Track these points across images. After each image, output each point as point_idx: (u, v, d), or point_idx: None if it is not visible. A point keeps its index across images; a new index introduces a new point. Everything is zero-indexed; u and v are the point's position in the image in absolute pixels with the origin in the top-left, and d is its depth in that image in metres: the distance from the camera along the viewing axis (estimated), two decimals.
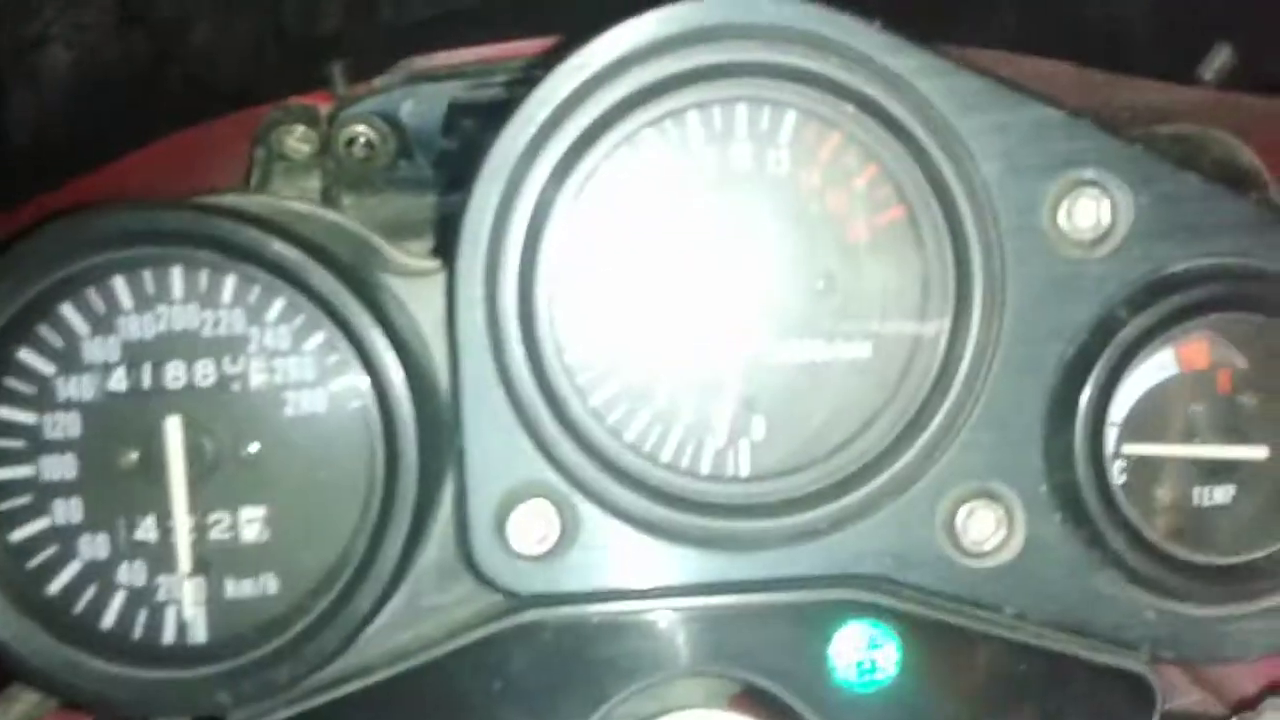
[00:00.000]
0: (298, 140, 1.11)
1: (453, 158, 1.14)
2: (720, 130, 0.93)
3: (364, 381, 0.90)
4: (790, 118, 0.92)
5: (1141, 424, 0.95)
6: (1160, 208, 0.92)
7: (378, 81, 1.16)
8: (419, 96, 1.15)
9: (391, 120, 1.14)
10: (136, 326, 0.91)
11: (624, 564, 0.93)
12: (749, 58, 0.91)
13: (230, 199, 0.97)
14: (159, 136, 1.22)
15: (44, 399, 0.91)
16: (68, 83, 1.22)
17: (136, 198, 0.94)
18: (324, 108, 1.14)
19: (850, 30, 0.90)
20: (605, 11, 1.04)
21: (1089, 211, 0.91)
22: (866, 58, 0.90)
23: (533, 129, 0.89)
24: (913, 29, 1.18)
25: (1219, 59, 1.16)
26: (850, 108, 0.92)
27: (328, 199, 1.12)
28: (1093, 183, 0.91)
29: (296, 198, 1.07)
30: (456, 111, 1.13)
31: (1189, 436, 0.96)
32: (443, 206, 1.11)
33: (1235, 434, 0.96)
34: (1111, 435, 0.94)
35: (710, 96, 0.92)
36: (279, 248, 0.87)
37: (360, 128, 1.12)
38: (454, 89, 1.14)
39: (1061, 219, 0.92)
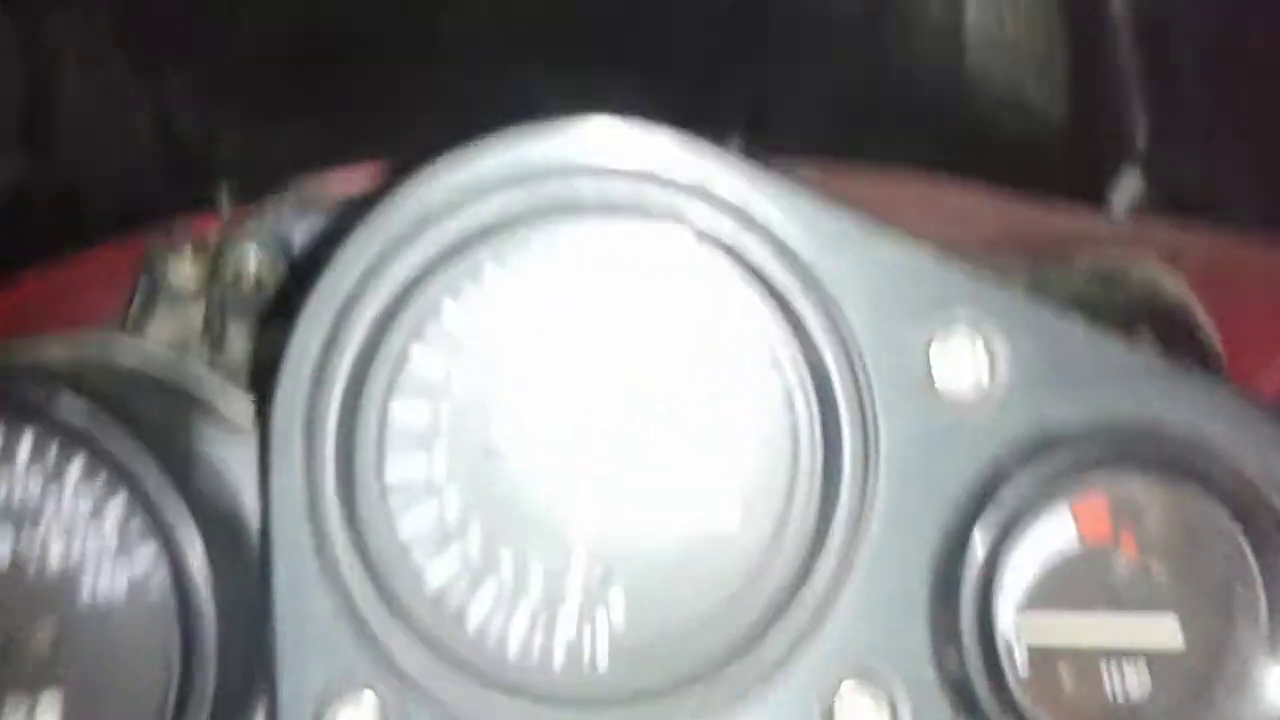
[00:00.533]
0: (183, 270, 1.09)
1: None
2: (571, 270, 0.87)
3: (165, 564, 0.83)
4: (644, 260, 0.87)
5: (1039, 596, 0.87)
6: (1043, 358, 0.86)
7: (268, 204, 1.14)
8: (311, 221, 1.12)
9: (284, 246, 1.11)
10: None
11: None
12: (593, 193, 0.85)
13: (48, 348, 0.93)
14: (33, 263, 1.18)
15: None
16: None
17: None
18: (212, 234, 1.12)
19: (718, 168, 0.84)
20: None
21: (966, 361, 0.85)
22: (729, 199, 0.85)
23: (357, 268, 0.83)
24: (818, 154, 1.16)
25: (1129, 186, 1.14)
26: (706, 250, 0.86)
27: (211, 329, 1.09)
28: (969, 326, 0.85)
29: (171, 340, 1.06)
30: (335, 233, 1.06)
31: (1094, 605, 0.88)
32: None
33: (1146, 609, 0.88)
34: (1008, 612, 0.87)
35: (556, 238, 0.86)
36: (69, 407, 0.81)
37: (249, 256, 1.10)
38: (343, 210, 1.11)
39: (937, 370, 0.85)
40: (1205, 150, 1.13)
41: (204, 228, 1.14)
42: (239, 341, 1.09)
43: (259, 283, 1.10)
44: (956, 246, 1.04)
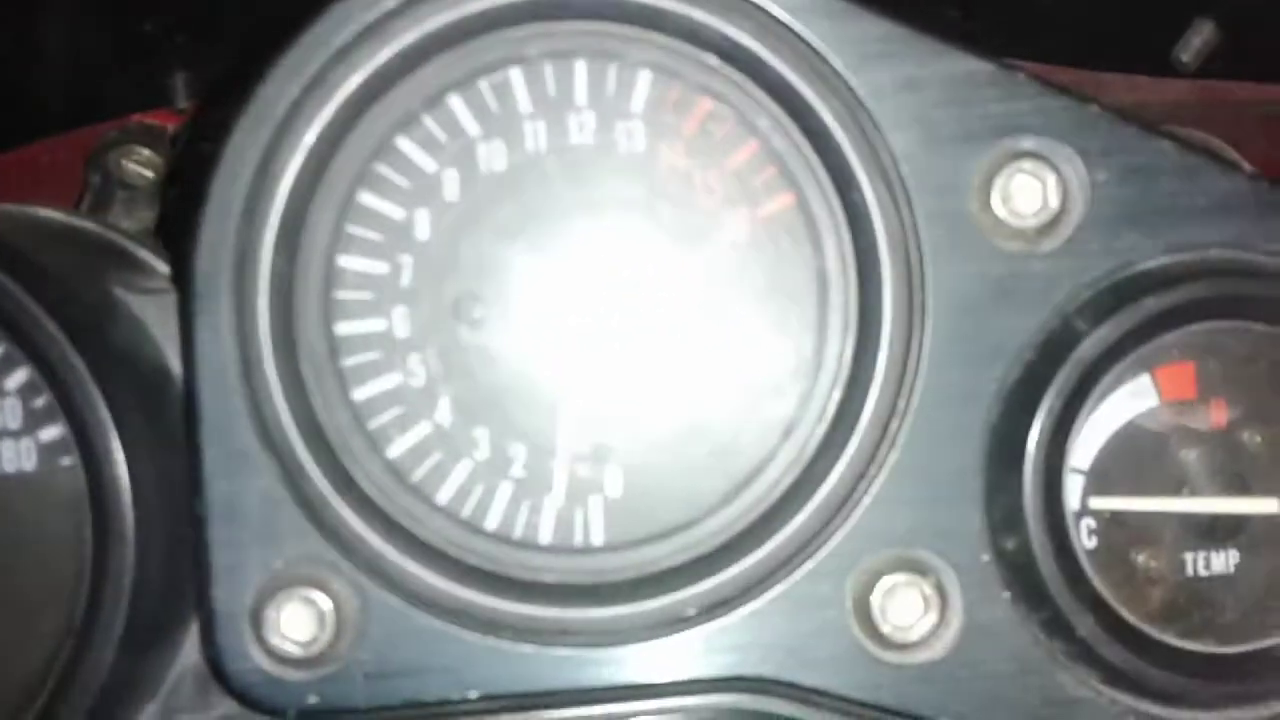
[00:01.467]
0: (139, 164, 1.05)
1: None
2: (554, 96, 0.77)
3: (70, 432, 0.74)
4: (644, 79, 0.77)
5: (1114, 472, 0.80)
6: (1125, 186, 0.77)
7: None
8: None
9: None
10: None
11: (427, 670, 0.75)
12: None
13: None
14: None
15: None
16: None
17: None
18: (169, 127, 1.07)
19: None
20: None
21: (1032, 192, 0.76)
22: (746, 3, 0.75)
23: (294, 87, 0.73)
24: None
25: (1199, 38, 1.04)
26: (718, 63, 0.76)
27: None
28: (1035, 155, 0.76)
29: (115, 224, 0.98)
30: None
31: (1177, 487, 0.80)
32: None
33: (1236, 482, 0.80)
34: (1075, 486, 0.79)
35: (537, 50, 0.76)
36: None
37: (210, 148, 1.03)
38: None
39: (996, 203, 0.76)
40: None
41: (159, 121, 1.09)
42: None
43: None
44: None
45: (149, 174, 1.05)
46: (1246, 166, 1.10)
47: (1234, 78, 1.15)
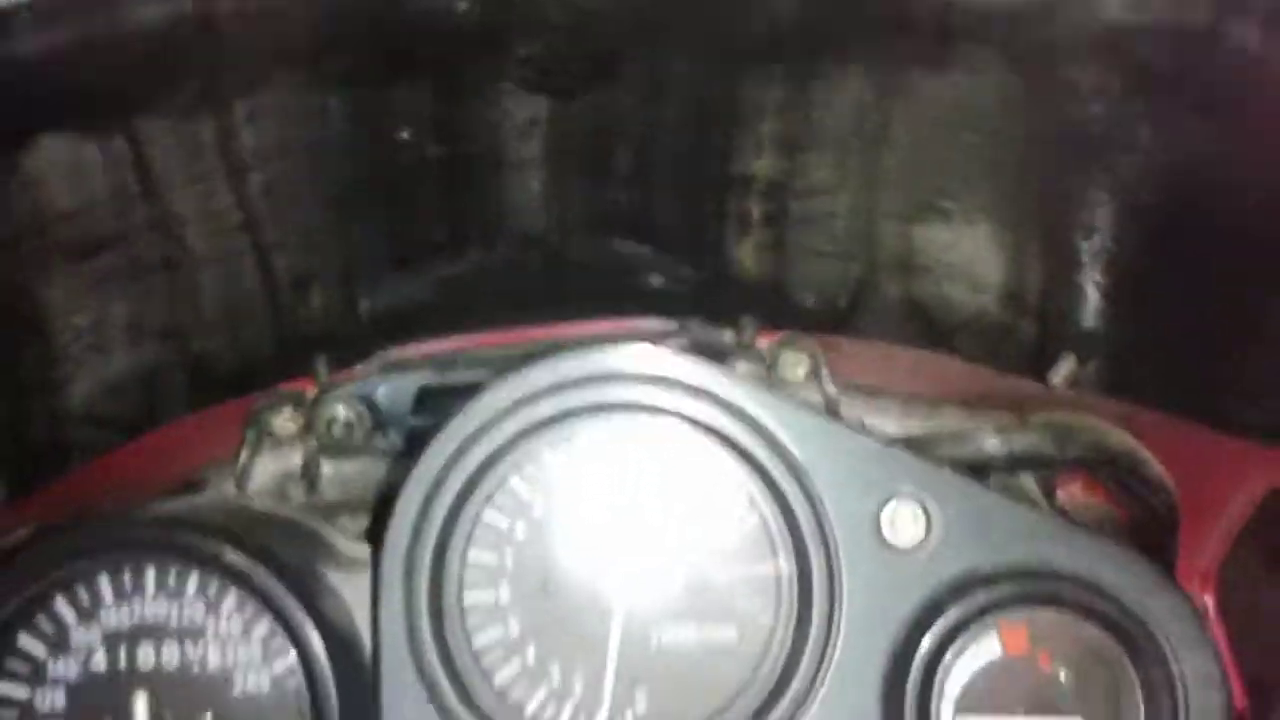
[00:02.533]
0: (284, 420, 1.27)
1: (422, 434, 1.27)
2: (607, 452, 1.10)
3: (299, 669, 1.07)
4: (666, 448, 1.12)
5: (974, 700, 1.08)
6: (966, 519, 1.07)
7: (357, 369, 1.36)
8: (392, 382, 1.34)
9: (368, 401, 1.33)
10: (115, 617, 1.09)
11: None
12: (625, 398, 1.10)
13: (201, 504, 1.17)
14: (167, 421, 1.39)
15: (36, 678, 1.08)
16: (95, 387, 1.37)
17: (131, 489, 1.13)
18: (309, 392, 1.30)
19: (710, 378, 1.09)
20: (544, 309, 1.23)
21: (908, 522, 1.07)
22: (723, 400, 1.09)
23: (446, 454, 1.09)
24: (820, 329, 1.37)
25: (1065, 368, 1.31)
26: (713, 441, 1.10)
27: (307, 470, 1.28)
28: (909, 499, 1.07)
29: (274, 476, 1.26)
30: (425, 395, 1.32)
31: (1016, 711, 1.08)
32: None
33: (1056, 708, 1.08)
34: (948, 710, 1.07)
35: (597, 430, 1.11)
36: (232, 556, 1.06)
37: (340, 408, 1.31)
38: (423, 375, 1.34)
39: (885, 528, 1.07)
40: (1146, 347, 1.27)
41: (302, 388, 1.32)
42: (329, 478, 1.31)
43: (347, 429, 1.32)
44: (934, 403, 1.28)
45: (291, 427, 1.27)
46: (1126, 441, 1.31)
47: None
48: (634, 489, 1.10)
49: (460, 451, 1.09)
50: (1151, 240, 1.11)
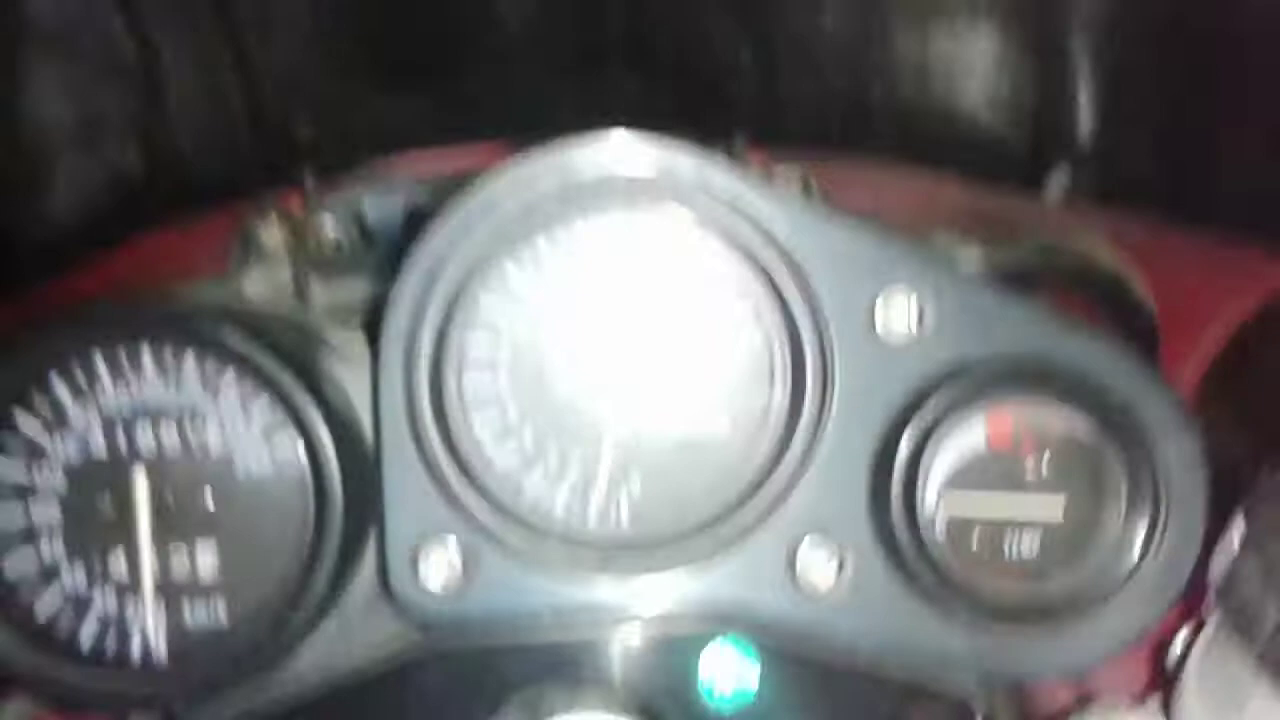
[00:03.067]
0: (273, 234, 1.27)
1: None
2: (604, 244, 1.10)
3: (300, 447, 1.07)
4: (664, 236, 1.12)
5: (959, 484, 1.11)
6: (959, 311, 1.09)
7: (346, 183, 1.36)
8: (381, 197, 1.34)
9: (357, 217, 1.33)
10: (112, 397, 1.09)
11: (519, 597, 1.09)
12: (621, 189, 1.09)
13: (201, 291, 1.17)
14: (149, 230, 1.40)
15: (34, 457, 1.09)
16: (73, 190, 1.37)
17: (125, 289, 1.13)
18: (297, 206, 1.30)
19: (713, 172, 1.09)
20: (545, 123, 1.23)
21: (901, 313, 1.08)
22: (722, 195, 1.09)
23: (444, 242, 1.09)
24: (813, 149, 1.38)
25: (1060, 178, 1.35)
26: (709, 232, 1.11)
27: (297, 286, 1.27)
28: (903, 290, 1.08)
29: (264, 290, 1.26)
30: (414, 217, 1.32)
31: (998, 494, 1.11)
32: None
33: (1039, 494, 1.11)
34: (932, 492, 1.11)
35: (594, 216, 1.11)
36: (230, 335, 1.06)
37: (329, 224, 1.31)
38: (411, 191, 1.34)
39: (878, 318, 1.08)
40: (1140, 149, 1.31)
41: (290, 201, 1.32)
42: (319, 295, 1.29)
43: (336, 246, 1.32)
44: (920, 224, 1.28)
45: (281, 242, 1.27)
46: (1114, 260, 1.32)
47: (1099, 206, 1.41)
48: (629, 280, 1.11)
49: (460, 236, 1.08)
50: (1149, 37, 1.12)
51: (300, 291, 1.29)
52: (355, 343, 1.17)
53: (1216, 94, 1.12)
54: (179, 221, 1.40)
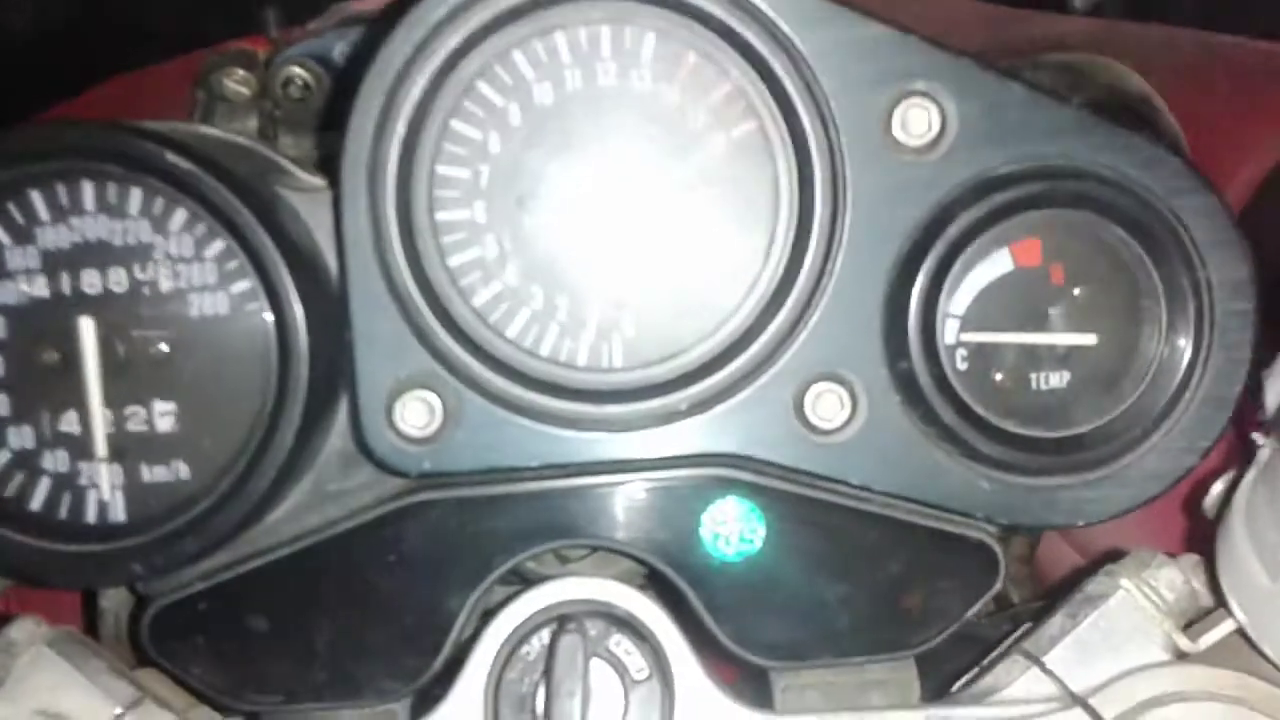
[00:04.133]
0: (236, 83, 1.19)
1: None
2: (586, 51, 0.99)
3: (260, 289, 0.99)
4: (650, 39, 1.00)
5: (980, 315, 1.02)
6: (985, 115, 0.98)
7: (311, 25, 1.25)
8: (350, 38, 1.22)
9: (325, 61, 1.22)
10: (53, 236, 0.99)
11: (504, 446, 1.00)
12: None
13: (144, 125, 1.06)
14: (100, 81, 1.32)
15: None
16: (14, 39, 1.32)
17: None
18: (260, 51, 1.22)
19: None
20: None
21: (920, 120, 0.98)
22: None
23: (406, 50, 0.97)
24: None
25: None
26: (703, 29, 1.00)
27: (265, 137, 1.19)
28: (923, 93, 0.98)
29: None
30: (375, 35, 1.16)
31: (1025, 326, 1.02)
32: None
33: (1069, 323, 1.02)
34: (953, 325, 1.01)
35: (574, 19, 1.00)
36: (173, 159, 0.96)
37: (296, 70, 1.21)
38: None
39: (895, 127, 0.98)
40: None
41: (253, 47, 1.24)
42: (289, 145, 1.22)
43: (304, 92, 1.22)
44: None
45: (245, 90, 1.19)
46: (1143, 85, 1.32)
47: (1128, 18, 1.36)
48: (618, 93, 1.00)
49: (421, 46, 0.97)
50: None
51: (268, 143, 1.19)
52: (320, 179, 1.07)
53: None
54: (131, 72, 1.34)
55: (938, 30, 1.18)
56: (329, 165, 1.04)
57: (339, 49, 1.23)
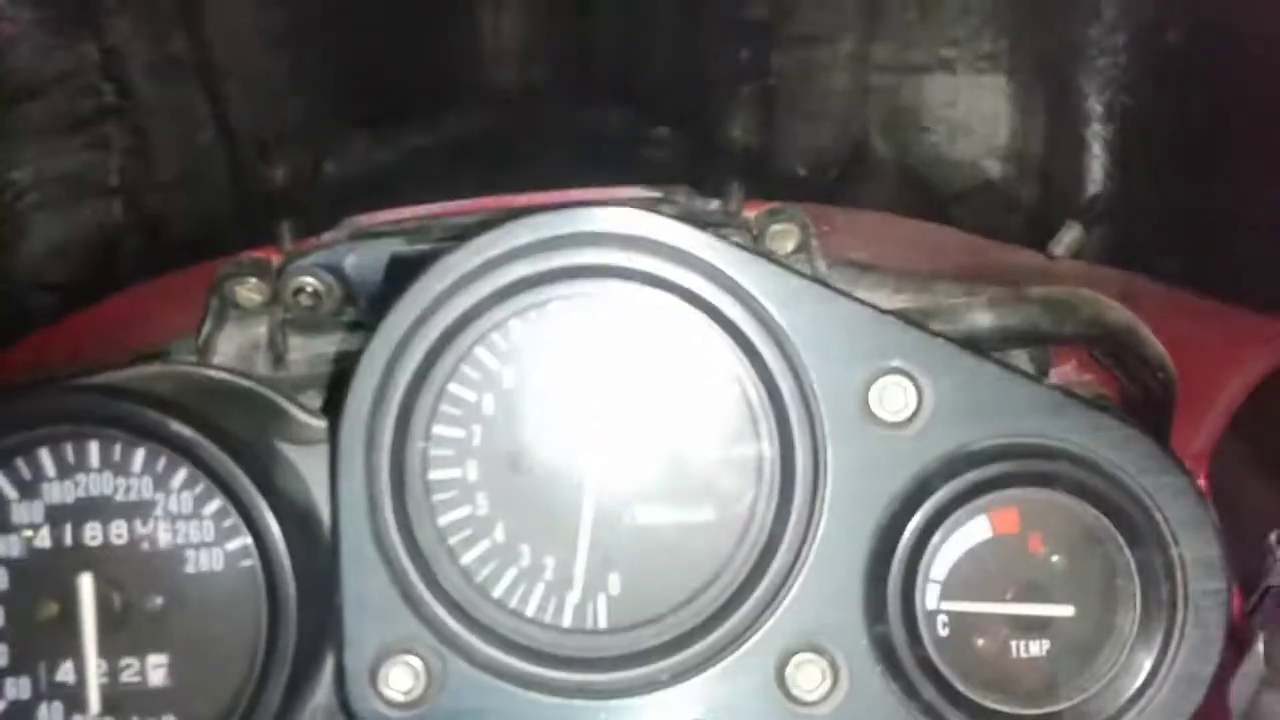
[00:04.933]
0: (249, 290, 1.22)
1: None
2: (582, 321, 1.05)
3: (253, 544, 1.01)
4: (644, 316, 1.06)
5: (961, 581, 1.04)
6: (960, 392, 1.02)
7: (324, 236, 1.30)
8: (361, 250, 1.27)
9: (336, 271, 1.26)
10: (58, 491, 1.03)
11: (487, 714, 1.01)
12: (602, 261, 1.04)
13: (151, 374, 1.11)
14: (123, 287, 1.34)
15: None
16: (43, 249, 1.32)
17: (86, 360, 1.09)
18: (274, 261, 1.26)
19: (693, 241, 1.02)
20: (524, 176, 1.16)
21: (897, 397, 1.02)
22: (706, 264, 1.03)
23: (409, 318, 1.02)
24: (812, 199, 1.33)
25: (1068, 237, 1.27)
26: (691, 308, 1.05)
27: (274, 343, 1.23)
28: (900, 370, 1.01)
29: (239, 348, 1.21)
30: (397, 263, 1.25)
31: (1005, 592, 1.04)
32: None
33: (1047, 591, 1.04)
34: (934, 591, 1.03)
35: (571, 293, 1.05)
36: (177, 428, 1.00)
37: (307, 279, 1.25)
38: (393, 243, 1.27)
39: (874, 403, 1.02)
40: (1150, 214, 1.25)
41: (267, 256, 1.28)
42: (296, 352, 1.25)
43: (314, 300, 1.25)
44: (929, 277, 1.21)
45: (257, 297, 1.22)
46: (1126, 316, 1.31)
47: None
48: (609, 361, 1.05)
49: (424, 317, 1.02)
50: (1164, 98, 1.04)
51: (277, 351, 1.24)
52: (319, 425, 1.10)
53: (1231, 155, 1.03)
54: (151, 280, 1.35)
55: (926, 256, 1.29)
56: (332, 410, 1.06)
57: (350, 260, 1.27)
